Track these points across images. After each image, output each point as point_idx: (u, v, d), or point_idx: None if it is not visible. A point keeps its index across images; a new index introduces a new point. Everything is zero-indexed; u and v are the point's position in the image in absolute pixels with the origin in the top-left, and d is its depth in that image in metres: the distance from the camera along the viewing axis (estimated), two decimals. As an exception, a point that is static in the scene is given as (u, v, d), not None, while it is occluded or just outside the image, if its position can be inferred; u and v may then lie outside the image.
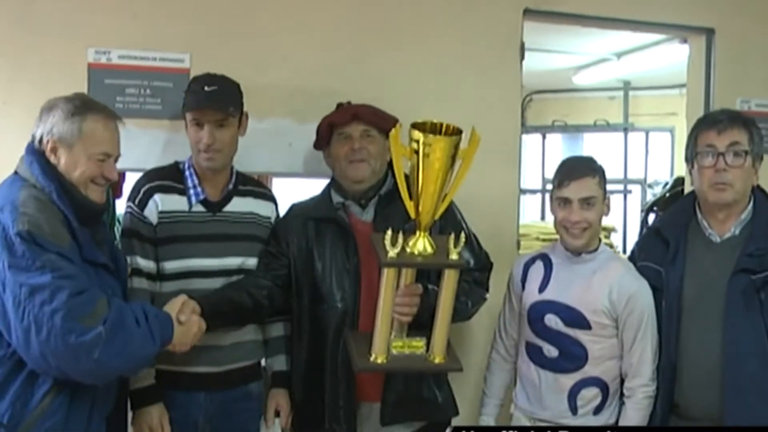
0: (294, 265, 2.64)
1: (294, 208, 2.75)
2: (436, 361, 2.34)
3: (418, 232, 2.32)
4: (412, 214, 2.33)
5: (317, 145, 2.77)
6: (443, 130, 2.24)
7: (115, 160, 2.28)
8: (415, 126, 2.23)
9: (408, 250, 2.29)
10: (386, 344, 2.33)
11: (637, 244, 2.87)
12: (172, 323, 2.17)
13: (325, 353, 2.58)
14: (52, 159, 2.20)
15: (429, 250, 2.31)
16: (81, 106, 2.22)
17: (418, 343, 2.35)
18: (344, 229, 2.62)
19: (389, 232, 2.25)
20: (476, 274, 2.69)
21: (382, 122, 2.64)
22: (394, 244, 2.24)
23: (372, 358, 2.33)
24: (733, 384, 2.38)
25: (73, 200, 2.17)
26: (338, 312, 2.57)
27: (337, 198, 2.68)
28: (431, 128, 2.23)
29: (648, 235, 2.76)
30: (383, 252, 2.26)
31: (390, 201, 2.63)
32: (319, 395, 2.59)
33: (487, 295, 2.73)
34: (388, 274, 2.29)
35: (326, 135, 2.70)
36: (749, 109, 3.54)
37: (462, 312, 2.55)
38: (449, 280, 2.31)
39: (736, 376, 2.37)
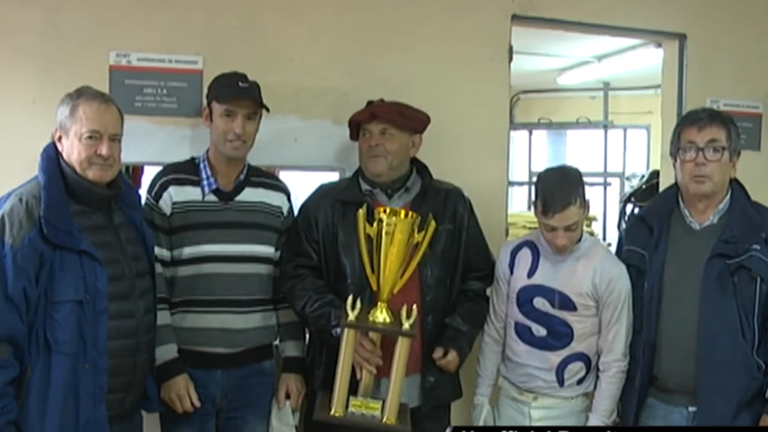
0: (322, 245, 2.63)
1: (323, 189, 2.74)
2: (388, 422, 2.37)
3: (379, 303, 2.39)
4: (374, 287, 2.43)
5: (352, 137, 2.78)
6: (403, 214, 2.39)
7: (113, 140, 2.25)
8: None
9: (370, 318, 2.37)
10: (344, 400, 2.38)
11: (625, 230, 2.89)
12: None
13: None
14: (60, 147, 2.24)
15: (388, 320, 2.39)
16: (75, 94, 2.24)
17: (375, 405, 2.39)
18: (370, 214, 2.58)
19: (350, 298, 2.34)
20: (484, 289, 2.74)
21: (401, 120, 2.64)
22: (353, 308, 2.31)
23: (332, 412, 2.39)
24: (707, 359, 2.40)
25: (72, 185, 2.20)
26: (357, 289, 2.55)
27: (365, 186, 2.67)
28: (392, 213, 2.38)
29: (635, 222, 2.77)
30: (344, 315, 2.33)
31: (422, 202, 2.64)
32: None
33: (484, 303, 2.75)
34: (348, 336, 2.34)
35: (354, 131, 2.72)
36: (718, 108, 3.50)
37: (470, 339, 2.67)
38: (402, 348, 2.35)
39: (710, 352, 2.39)
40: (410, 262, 2.43)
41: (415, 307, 2.36)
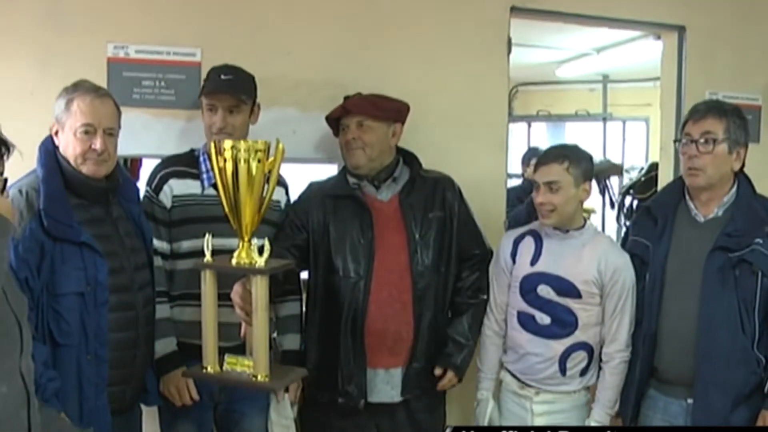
0: (312, 238, 2.63)
1: (312, 186, 2.75)
2: (260, 379, 2.20)
3: (240, 243, 2.24)
4: (234, 225, 2.25)
5: (335, 134, 2.79)
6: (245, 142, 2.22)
7: (108, 134, 2.22)
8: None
9: (234, 260, 2.22)
10: (215, 354, 2.25)
11: (632, 221, 2.88)
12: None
13: (339, 321, 2.57)
14: (57, 141, 2.23)
15: (248, 259, 2.21)
16: (72, 88, 2.23)
17: (249, 362, 2.22)
18: (361, 206, 2.62)
19: (208, 236, 2.20)
20: (477, 276, 2.75)
21: (375, 111, 2.65)
22: (208, 247, 2.21)
23: (205, 369, 2.26)
24: (705, 351, 2.39)
25: (70, 179, 2.19)
26: (351, 283, 2.57)
27: (352, 179, 2.68)
28: (234, 142, 2.20)
29: (641, 213, 2.76)
30: (202, 257, 2.22)
31: (411, 190, 2.66)
32: (333, 360, 2.58)
33: (484, 296, 2.75)
34: (206, 279, 2.22)
35: (335, 127, 2.73)
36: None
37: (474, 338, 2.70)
38: (258, 288, 2.17)
39: (708, 345, 2.38)
40: (265, 195, 2.28)
41: (267, 240, 2.21)
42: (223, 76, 2.57)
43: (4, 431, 1.68)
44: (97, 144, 2.19)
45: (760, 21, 3.72)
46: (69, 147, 2.20)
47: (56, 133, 2.24)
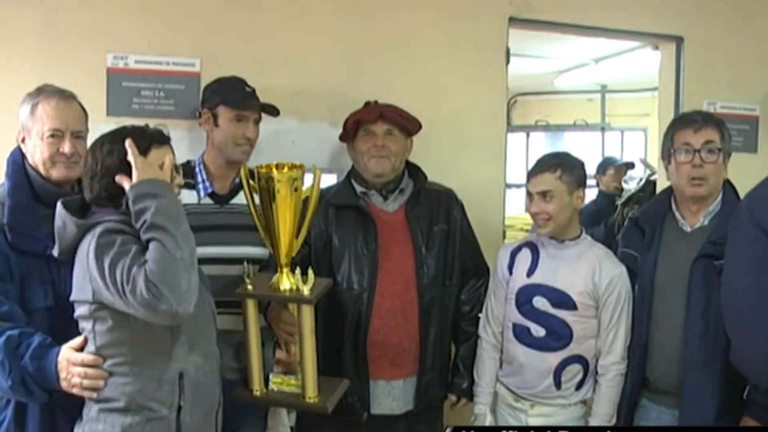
0: (314, 249, 2.62)
1: None
2: (308, 399, 2.23)
3: (279, 270, 2.24)
4: (271, 251, 2.27)
5: (342, 138, 2.77)
6: (286, 168, 2.19)
7: (77, 137, 2.17)
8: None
9: (273, 286, 2.24)
10: (260, 377, 2.26)
11: (621, 232, 2.88)
12: (55, 374, 1.92)
13: (342, 333, 2.57)
14: (24, 149, 2.18)
15: (291, 287, 2.22)
16: (35, 93, 2.18)
17: (295, 382, 2.26)
18: (365, 216, 2.61)
19: (246, 264, 2.20)
20: (477, 298, 2.78)
21: (405, 122, 2.67)
22: (249, 276, 2.21)
23: (252, 392, 2.27)
24: (690, 360, 2.39)
25: (38, 190, 2.13)
26: (354, 294, 2.57)
27: (359, 188, 2.68)
28: (271, 167, 2.19)
29: (629, 224, 2.77)
30: (243, 285, 2.22)
31: (417, 202, 2.67)
32: (335, 372, 2.55)
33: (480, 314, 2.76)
34: (248, 307, 2.22)
35: (352, 130, 2.70)
36: (715, 111, 3.55)
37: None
38: (305, 316, 2.19)
39: (693, 354, 2.38)
40: (304, 220, 2.27)
41: (311, 270, 2.19)
42: (247, 89, 2.60)
43: (206, 404, 2.00)
44: (66, 147, 2.14)
45: (758, 31, 3.74)
46: (37, 152, 2.14)
47: (23, 140, 2.18)
